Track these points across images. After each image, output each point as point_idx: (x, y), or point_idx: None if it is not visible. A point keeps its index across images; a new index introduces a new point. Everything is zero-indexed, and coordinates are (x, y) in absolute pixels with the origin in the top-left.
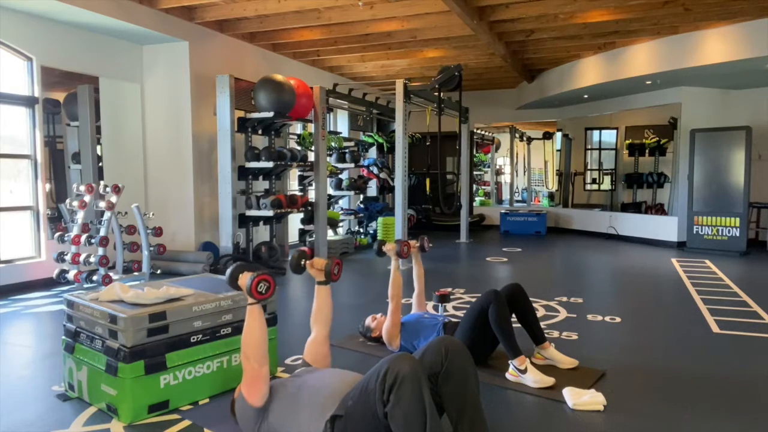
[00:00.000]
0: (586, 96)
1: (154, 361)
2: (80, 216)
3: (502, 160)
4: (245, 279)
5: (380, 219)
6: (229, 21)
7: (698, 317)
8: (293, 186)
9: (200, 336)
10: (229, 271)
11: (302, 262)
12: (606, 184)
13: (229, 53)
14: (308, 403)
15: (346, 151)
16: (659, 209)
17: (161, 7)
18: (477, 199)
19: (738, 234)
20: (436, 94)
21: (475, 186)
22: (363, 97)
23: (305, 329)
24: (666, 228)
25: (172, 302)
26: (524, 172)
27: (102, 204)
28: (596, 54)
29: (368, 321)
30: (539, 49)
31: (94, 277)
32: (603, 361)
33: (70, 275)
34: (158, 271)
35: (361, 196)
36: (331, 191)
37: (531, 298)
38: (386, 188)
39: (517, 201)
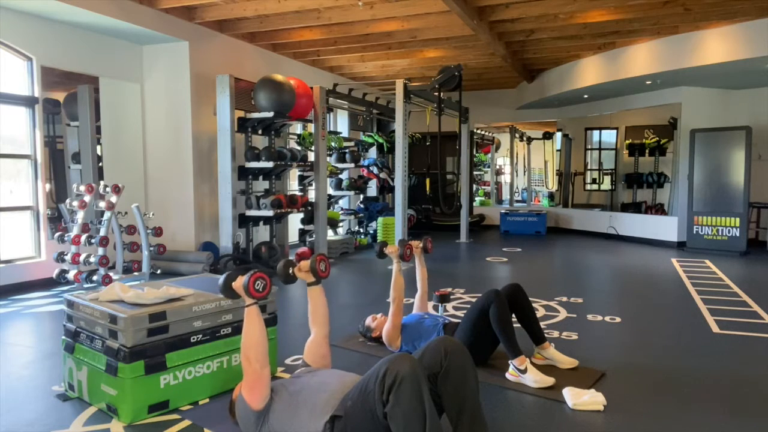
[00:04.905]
0: (586, 96)
1: (154, 361)
2: (80, 216)
3: (502, 160)
4: (240, 281)
5: (380, 219)
6: (229, 21)
7: (698, 317)
8: (293, 186)
9: (200, 336)
10: (221, 280)
11: (290, 271)
12: (606, 184)
13: (229, 53)
14: (308, 404)
15: (346, 151)
16: (659, 209)
17: (161, 7)
18: (477, 199)
19: (738, 234)
20: (436, 94)
21: (475, 186)
22: (363, 97)
23: (305, 329)
24: (666, 228)
25: (172, 302)
26: (524, 172)
27: (102, 204)
28: (596, 54)
29: (368, 321)
30: (539, 49)
31: (94, 277)
32: (603, 361)
33: (70, 275)
34: (158, 271)
35: (361, 196)
36: (331, 191)
37: (531, 298)
38: (386, 188)
39: (517, 201)
